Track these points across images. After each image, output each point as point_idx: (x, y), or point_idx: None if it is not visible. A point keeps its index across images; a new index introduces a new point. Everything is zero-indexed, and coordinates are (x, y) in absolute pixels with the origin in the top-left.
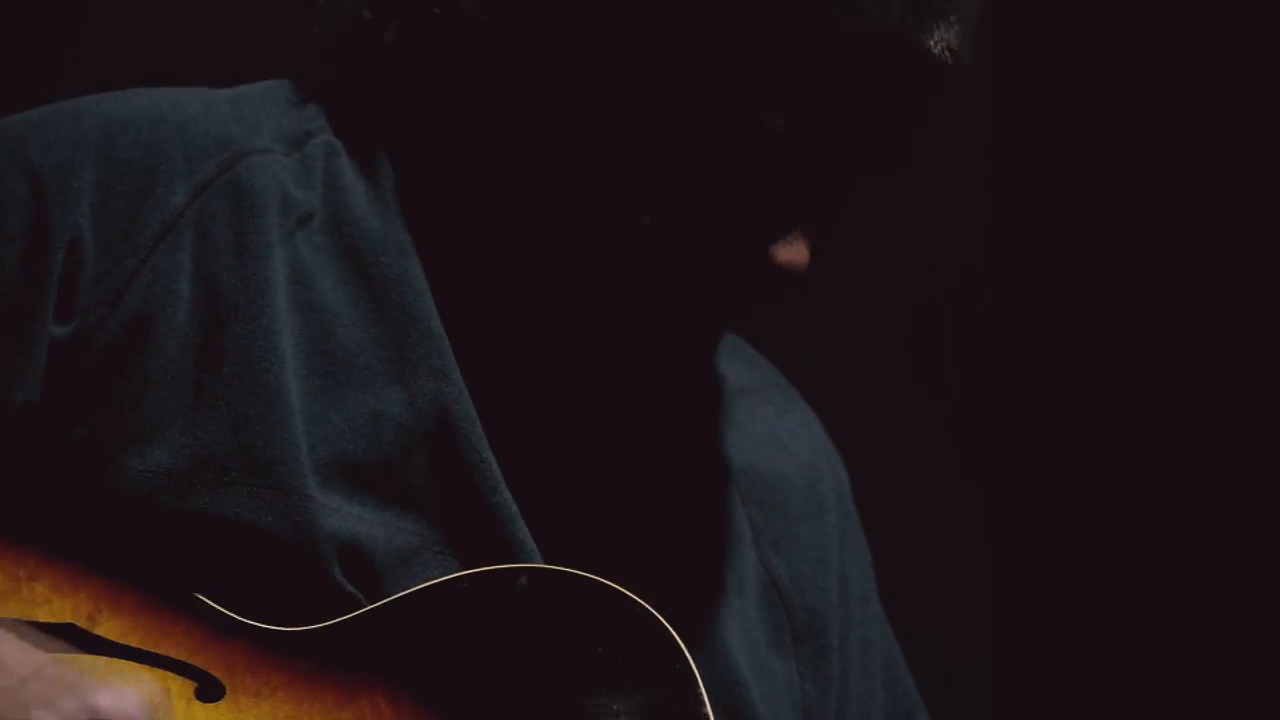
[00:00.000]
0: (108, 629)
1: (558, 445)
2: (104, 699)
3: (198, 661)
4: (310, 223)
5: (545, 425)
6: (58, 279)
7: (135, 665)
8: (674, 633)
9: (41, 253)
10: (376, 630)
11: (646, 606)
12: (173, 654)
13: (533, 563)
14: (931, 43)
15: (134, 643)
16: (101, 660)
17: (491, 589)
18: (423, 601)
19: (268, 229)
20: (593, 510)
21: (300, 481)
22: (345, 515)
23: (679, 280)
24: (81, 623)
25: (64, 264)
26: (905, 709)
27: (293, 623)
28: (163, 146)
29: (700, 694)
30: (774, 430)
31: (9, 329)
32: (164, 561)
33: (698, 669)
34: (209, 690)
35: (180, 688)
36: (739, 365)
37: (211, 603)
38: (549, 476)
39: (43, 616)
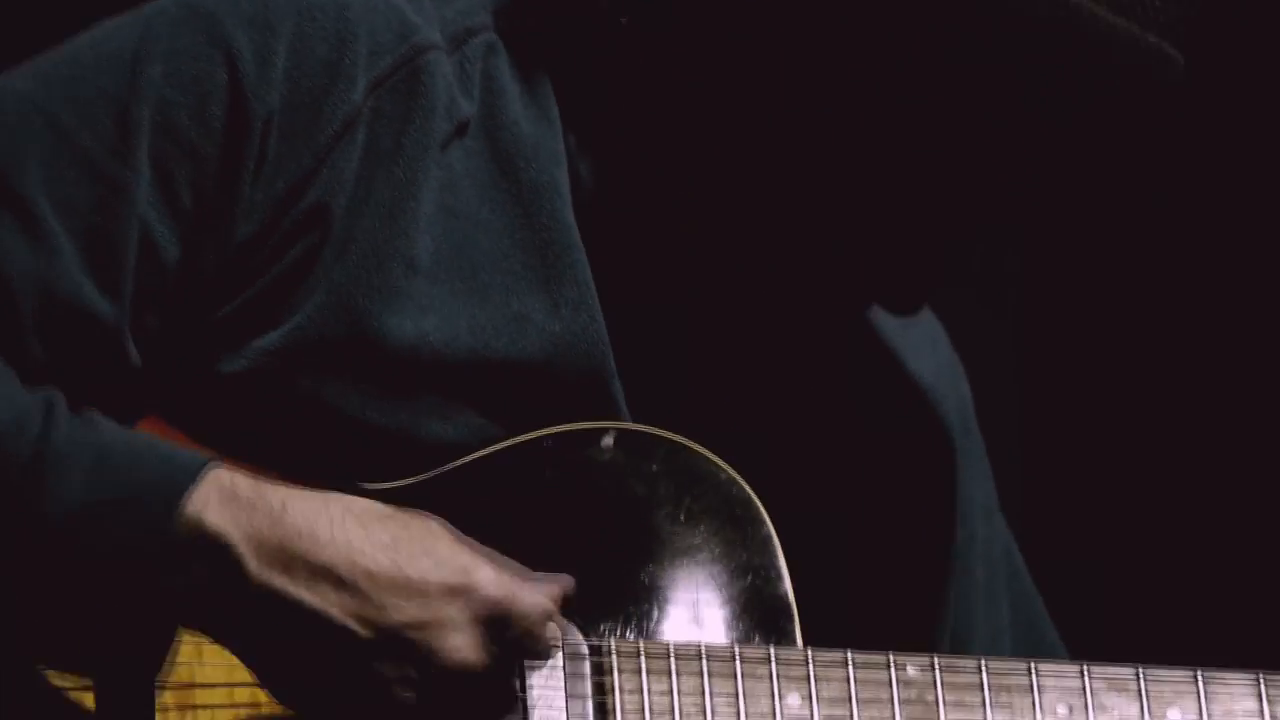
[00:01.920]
0: None
1: (680, 374)
2: (452, 651)
3: None
4: (467, 130)
5: (670, 354)
6: (251, 174)
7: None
8: (758, 502)
9: (238, 144)
10: (459, 487)
11: (731, 473)
12: None
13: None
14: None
15: None
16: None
17: (575, 448)
18: (506, 459)
19: (429, 133)
20: (711, 445)
21: (413, 376)
22: (454, 418)
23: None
24: None
25: (256, 158)
26: (1028, 620)
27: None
28: (348, 39)
29: (780, 567)
30: (897, 346)
31: (207, 219)
32: (264, 440)
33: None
34: None
35: None
36: None
37: None
38: (670, 402)
39: None
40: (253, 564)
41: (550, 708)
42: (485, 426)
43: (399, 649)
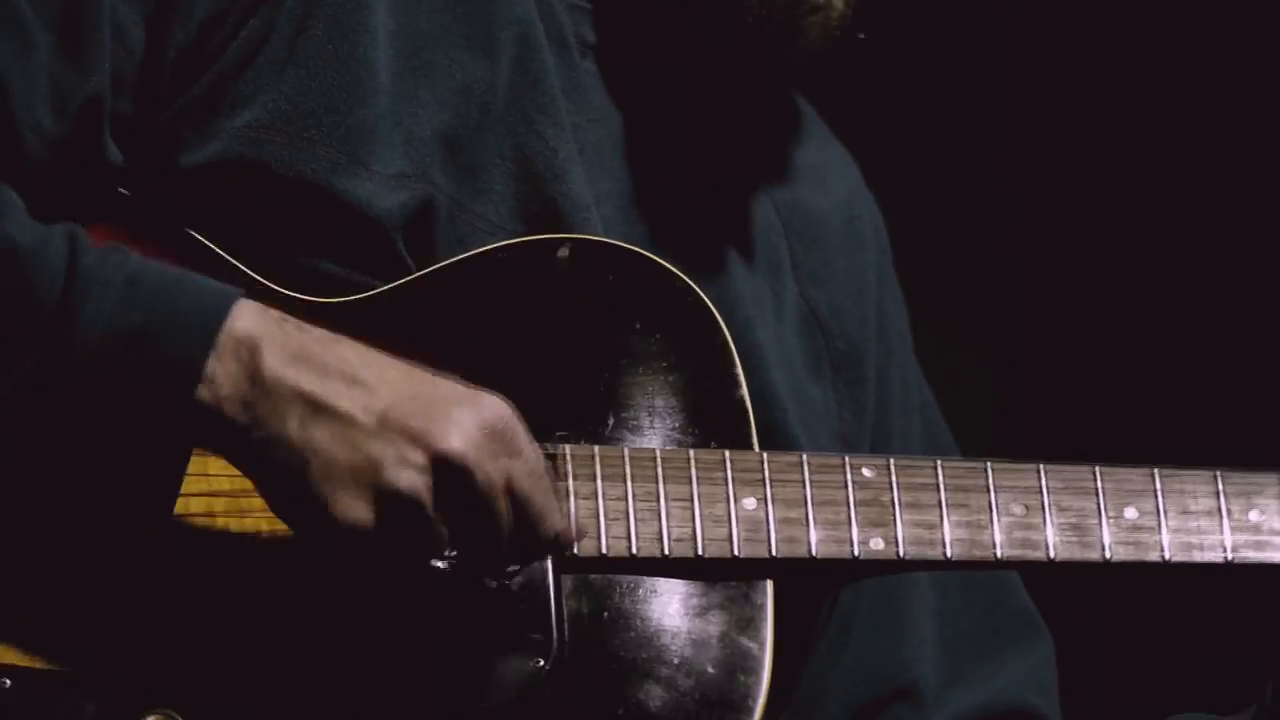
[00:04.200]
0: None
1: (627, 144)
2: (453, 441)
3: None
4: None
5: (615, 124)
6: None
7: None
8: (713, 308)
9: None
10: (418, 298)
11: (687, 280)
12: None
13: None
14: None
15: None
16: (444, 385)
17: (530, 260)
18: (458, 272)
19: None
20: (652, 211)
21: (374, 153)
22: (415, 188)
23: None
24: None
25: None
26: (942, 450)
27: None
28: None
29: (736, 373)
30: (816, 165)
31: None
32: (235, 221)
33: None
34: None
35: None
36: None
37: (253, 273)
38: (614, 174)
39: None
40: (271, 360)
41: None
42: (435, 196)
43: (397, 434)
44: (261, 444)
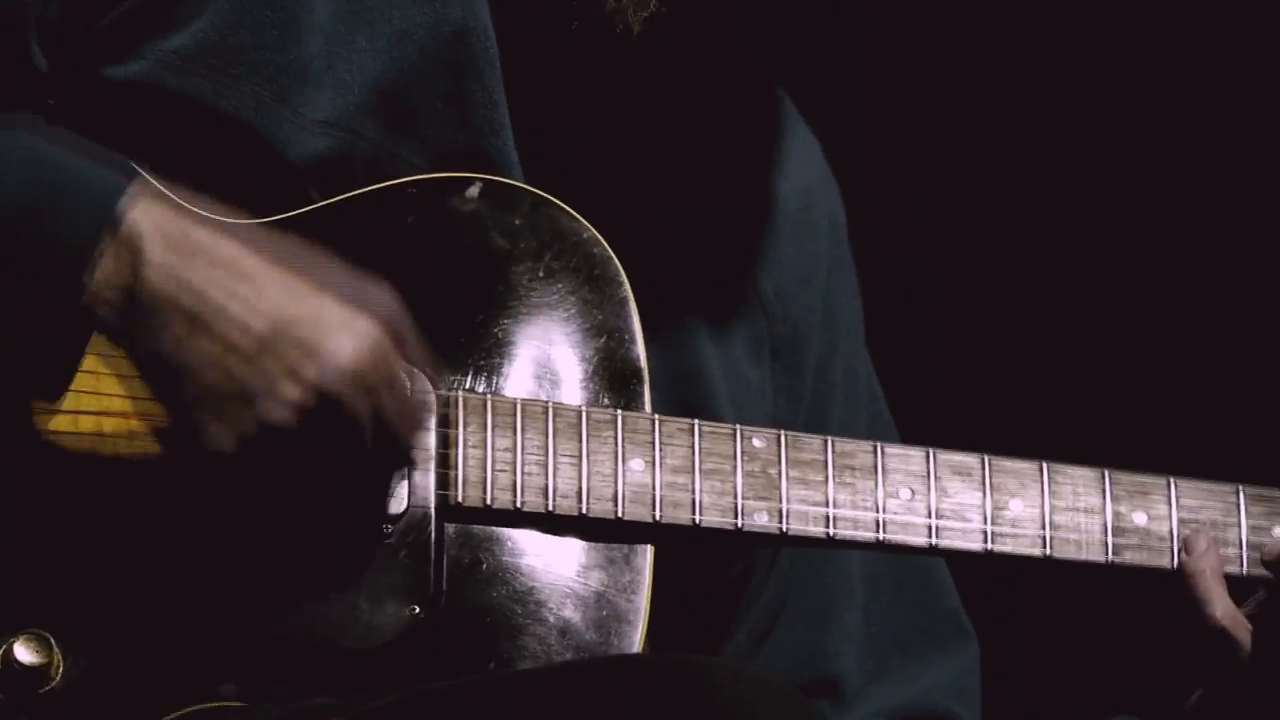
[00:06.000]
0: None
1: (569, 106)
2: (326, 375)
3: None
4: None
5: (560, 84)
6: None
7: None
8: (618, 263)
9: None
10: (322, 227)
11: (593, 231)
12: None
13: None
14: None
15: None
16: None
17: (440, 196)
18: (365, 203)
19: None
20: (590, 177)
21: (302, 95)
22: (338, 137)
23: None
24: None
25: None
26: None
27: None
28: None
29: (635, 331)
30: (776, 149)
31: None
32: (152, 149)
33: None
34: None
35: None
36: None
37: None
38: (554, 134)
39: None
40: (152, 260)
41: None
42: (356, 147)
43: (272, 363)
44: (138, 355)
